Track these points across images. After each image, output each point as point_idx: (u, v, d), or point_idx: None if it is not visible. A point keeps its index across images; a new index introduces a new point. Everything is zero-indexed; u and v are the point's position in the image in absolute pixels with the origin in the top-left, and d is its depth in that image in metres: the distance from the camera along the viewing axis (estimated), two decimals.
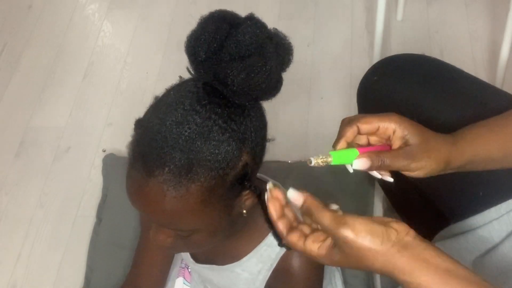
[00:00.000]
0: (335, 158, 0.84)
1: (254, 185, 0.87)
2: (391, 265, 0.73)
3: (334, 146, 0.87)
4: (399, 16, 2.09)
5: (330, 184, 1.52)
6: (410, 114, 1.08)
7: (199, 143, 0.81)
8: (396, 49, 1.98)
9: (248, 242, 1.04)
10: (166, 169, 0.81)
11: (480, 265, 1.04)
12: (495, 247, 1.05)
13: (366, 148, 0.87)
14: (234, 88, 0.81)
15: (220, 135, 0.82)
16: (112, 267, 1.52)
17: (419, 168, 0.87)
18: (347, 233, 0.73)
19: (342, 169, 1.73)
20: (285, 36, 0.87)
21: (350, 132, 0.87)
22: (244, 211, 0.92)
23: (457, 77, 1.18)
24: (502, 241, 1.04)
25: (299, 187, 0.80)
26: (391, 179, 0.89)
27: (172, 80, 0.90)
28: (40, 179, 1.79)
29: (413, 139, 0.86)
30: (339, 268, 1.30)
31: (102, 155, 1.81)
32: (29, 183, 1.79)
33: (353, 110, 1.81)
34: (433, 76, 1.17)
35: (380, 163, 0.85)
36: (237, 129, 0.83)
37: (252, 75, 0.80)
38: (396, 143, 0.87)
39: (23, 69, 2.10)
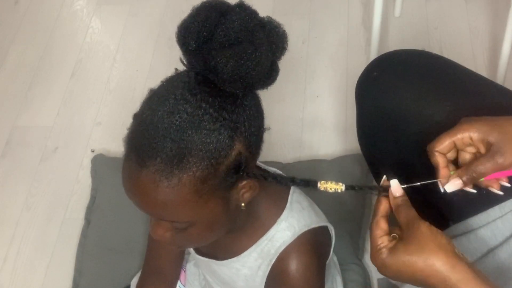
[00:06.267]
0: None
1: (254, 174, 0.88)
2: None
3: (439, 177, 0.93)
4: (397, 12, 2.08)
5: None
6: (411, 111, 1.09)
7: (190, 132, 0.82)
8: (394, 46, 1.95)
9: (250, 236, 1.04)
10: (158, 159, 0.82)
11: (480, 267, 0.99)
12: (497, 247, 1.03)
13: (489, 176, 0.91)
14: (224, 76, 0.82)
15: (211, 124, 0.82)
16: (101, 270, 1.52)
17: None
18: (424, 224, 0.83)
19: (338, 170, 1.69)
20: (279, 24, 0.88)
21: (440, 159, 0.92)
22: (243, 204, 0.92)
23: (458, 73, 1.17)
24: (506, 240, 1.03)
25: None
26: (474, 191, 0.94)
27: (162, 78, 0.89)
28: (27, 180, 1.77)
29: (492, 136, 0.89)
30: (340, 272, 1.32)
31: (91, 155, 1.80)
32: (15, 185, 1.77)
33: (349, 109, 1.81)
34: (434, 72, 1.15)
35: (471, 176, 0.90)
36: (229, 118, 0.84)
37: (242, 62, 0.81)
38: (481, 148, 0.90)
39: (9, 66, 2.09)
